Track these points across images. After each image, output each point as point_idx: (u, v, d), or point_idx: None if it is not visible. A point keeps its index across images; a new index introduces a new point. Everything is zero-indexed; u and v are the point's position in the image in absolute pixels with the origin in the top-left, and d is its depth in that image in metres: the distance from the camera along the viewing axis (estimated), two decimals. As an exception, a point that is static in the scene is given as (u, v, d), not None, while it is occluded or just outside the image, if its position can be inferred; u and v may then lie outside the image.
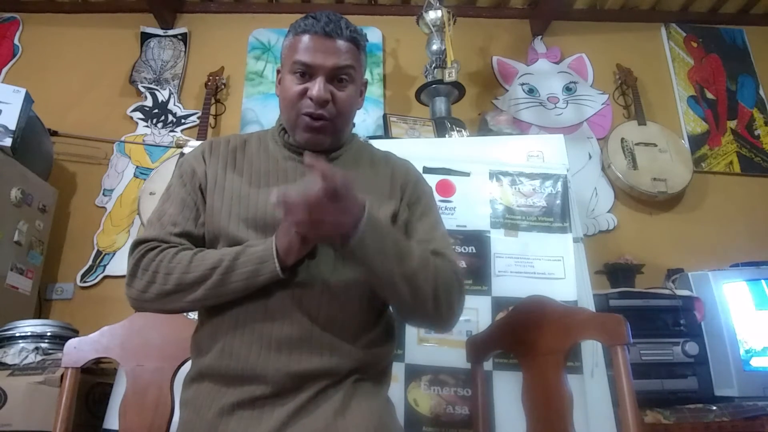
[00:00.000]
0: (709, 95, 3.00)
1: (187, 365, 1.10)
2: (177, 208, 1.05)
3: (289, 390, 0.92)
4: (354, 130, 1.23)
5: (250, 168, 1.10)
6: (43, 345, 1.81)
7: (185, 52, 3.00)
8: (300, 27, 1.06)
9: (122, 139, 2.77)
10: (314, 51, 1.03)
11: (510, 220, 1.81)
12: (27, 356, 1.75)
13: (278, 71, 1.13)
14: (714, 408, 1.84)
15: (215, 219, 1.03)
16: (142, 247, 0.99)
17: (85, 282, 2.51)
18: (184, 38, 3.02)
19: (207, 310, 1.02)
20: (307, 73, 1.03)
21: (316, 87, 1.02)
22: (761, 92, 3.02)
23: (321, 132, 1.05)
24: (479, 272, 1.72)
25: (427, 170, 1.80)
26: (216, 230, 1.03)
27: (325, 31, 1.03)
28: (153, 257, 0.97)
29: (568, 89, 2.97)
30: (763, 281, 2.08)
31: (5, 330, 1.85)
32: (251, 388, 0.93)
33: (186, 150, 2.05)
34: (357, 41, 1.07)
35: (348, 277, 0.99)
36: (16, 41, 2.99)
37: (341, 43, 1.04)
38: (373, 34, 3.00)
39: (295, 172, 1.08)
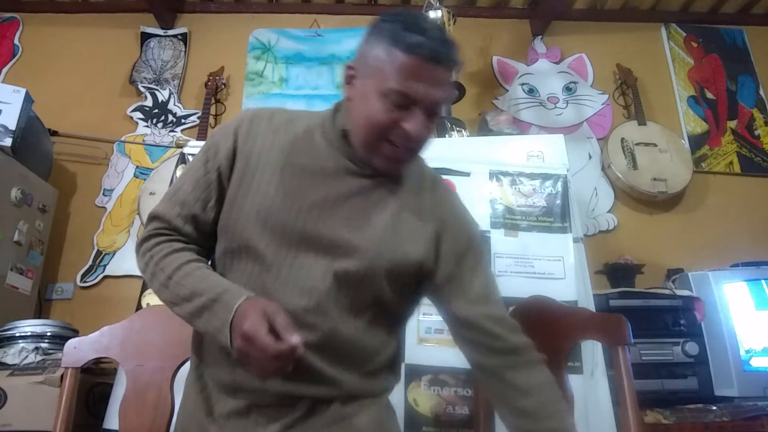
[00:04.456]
0: (709, 95, 3.00)
1: (187, 365, 1.10)
2: (190, 186, 0.99)
3: (287, 403, 0.92)
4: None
5: (287, 157, 0.97)
6: (43, 345, 1.81)
7: (185, 52, 2.99)
8: (408, 42, 0.87)
9: (122, 139, 2.77)
10: (420, 81, 0.88)
11: (510, 220, 1.81)
12: (27, 356, 1.75)
13: (352, 67, 0.96)
14: (714, 408, 1.84)
15: (234, 214, 0.96)
16: (151, 228, 0.98)
17: (85, 282, 2.51)
18: (184, 38, 3.02)
19: None
20: (405, 103, 0.89)
21: (416, 123, 0.89)
22: (761, 92, 3.01)
23: (401, 162, 0.97)
24: (479, 272, 1.72)
25: (427, 170, 1.80)
26: (229, 226, 0.96)
27: (437, 59, 0.88)
28: (150, 247, 0.96)
29: (568, 89, 2.97)
30: (763, 281, 2.08)
31: (5, 330, 1.85)
32: (251, 397, 0.92)
33: (186, 150, 2.04)
34: (457, 67, 0.93)
35: (350, 331, 0.94)
36: (16, 41, 2.99)
37: (447, 72, 0.91)
38: (373, 34, 3.00)
39: (346, 183, 0.96)
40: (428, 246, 0.99)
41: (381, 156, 0.94)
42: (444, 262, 1.00)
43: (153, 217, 0.99)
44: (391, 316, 1.02)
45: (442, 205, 1.04)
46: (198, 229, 0.99)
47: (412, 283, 1.00)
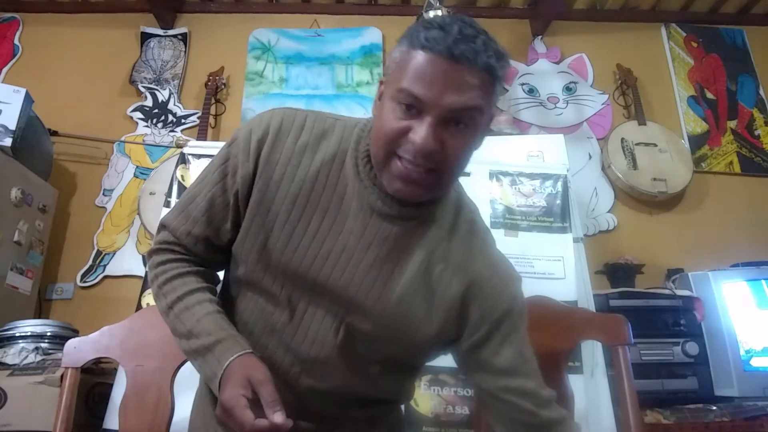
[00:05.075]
0: (709, 95, 3.00)
1: (188, 366, 1.10)
2: (204, 203, 0.90)
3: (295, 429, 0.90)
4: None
5: (310, 191, 0.86)
6: (43, 345, 1.81)
7: (185, 52, 2.99)
8: (420, 38, 0.76)
9: (122, 139, 2.77)
10: (431, 80, 0.75)
11: (510, 220, 1.82)
12: (27, 356, 1.75)
13: (381, 83, 0.86)
14: (714, 408, 1.84)
15: (246, 246, 0.89)
16: (161, 240, 0.94)
17: (85, 282, 2.51)
18: (184, 38, 3.02)
19: None
20: (415, 107, 0.76)
21: (422, 132, 0.75)
22: (761, 92, 3.01)
23: (416, 185, 0.80)
24: (479, 272, 1.72)
25: (427, 170, 1.80)
26: (242, 259, 0.90)
27: (451, 54, 0.73)
28: (156, 264, 0.93)
29: (568, 89, 2.97)
30: (763, 281, 2.08)
31: (5, 330, 1.85)
32: None
33: (186, 150, 2.04)
34: (493, 71, 0.77)
35: (360, 382, 0.91)
36: (16, 41, 2.99)
37: (471, 74, 0.75)
38: (373, 34, 3.00)
39: (371, 228, 0.85)
40: (452, 310, 0.88)
41: (390, 176, 0.80)
42: (471, 328, 0.88)
43: (163, 226, 0.94)
44: (405, 368, 0.98)
45: (476, 258, 0.90)
46: (209, 248, 0.93)
47: (430, 347, 0.93)
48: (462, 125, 0.78)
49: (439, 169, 0.79)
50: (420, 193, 0.82)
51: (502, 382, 0.88)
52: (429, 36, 0.75)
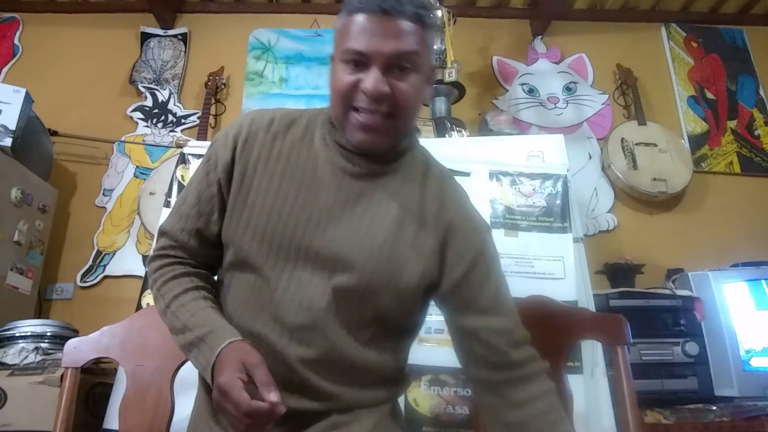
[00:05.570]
0: (709, 95, 3.00)
1: (187, 366, 1.10)
2: (193, 199, 0.98)
3: (287, 414, 0.85)
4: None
5: (285, 167, 0.95)
6: (43, 345, 1.81)
7: (185, 52, 2.99)
8: (353, 4, 0.88)
9: (122, 139, 2.77)
10: (369, 35, 0.86)
11: (510, 220, 1.81)
12: (27, 356, 1.75)
13: (332, 58, 0.95)
14: (714, 408, 1.84)
15: (232, 228, 0.95)
16: (159, 246, 1.00)
17: (85, 282, 2.51)
18: (184, 38, 3.02)
19: None
20: (360, 61, 0.87)
21: (371, 79, 0.85)
22: (761, 92, 3.01)
23: (377, 131, 0.89)
24: (479, 272, 1.72)
25: (427, 170, 1.80)
26: (230, 240, 0.96)
27: (382, 9, 0.85)
28: (155, 269, 0.99)
29: (568, 89, 2.97)
30: (763, 281, 2.08)
31: (5, 330, 1.85)
32: None
33: (186, 150, 2.04)
34: (422, 18, 0.88)
35: (350, 348, 0.92)
36: (16, 41, 2.99)
37: (403, 23, 0.86)
38: (373, 34, 3.00)
39: (344, 188, 0.93)
40: (432, 256, 0.94)
41: (351, 128, 0.90)
42: (450, 270, 0.94)
43: (161, 233, 1.01)
44: (395, 332, 0.99)
45: (449, 206, 0.97)
46: (203, 243, 0.99)
47: (415, 296, 0.95)
48: (406, 69, 0.88)
49: (394, 112, 0.88)
50: (381, 140, 0.90)
51: (481, 321, 0.93)
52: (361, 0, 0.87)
